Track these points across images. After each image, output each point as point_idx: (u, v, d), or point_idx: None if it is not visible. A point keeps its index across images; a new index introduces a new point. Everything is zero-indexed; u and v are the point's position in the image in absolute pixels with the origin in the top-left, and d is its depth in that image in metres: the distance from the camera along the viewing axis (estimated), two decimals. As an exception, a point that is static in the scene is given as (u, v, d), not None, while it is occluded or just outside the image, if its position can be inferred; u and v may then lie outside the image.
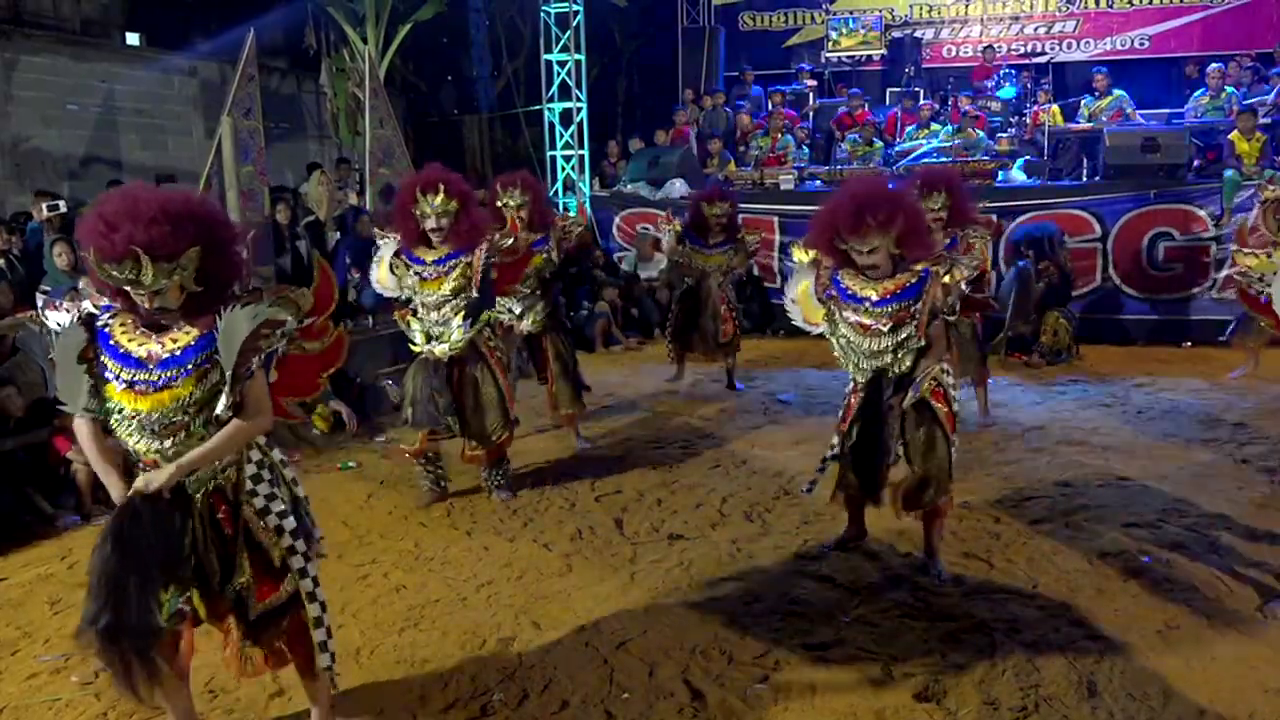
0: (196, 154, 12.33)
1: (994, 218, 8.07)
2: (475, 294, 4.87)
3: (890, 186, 4.00)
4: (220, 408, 2.62)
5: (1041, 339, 8.53)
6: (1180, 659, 3.39)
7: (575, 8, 12.37)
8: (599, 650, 3.58)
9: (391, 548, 4.68)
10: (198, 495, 2.71)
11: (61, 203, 7.93)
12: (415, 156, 11.20)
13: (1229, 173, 9.10)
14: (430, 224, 4.73)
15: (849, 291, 3.78)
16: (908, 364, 3.76)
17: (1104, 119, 10.96)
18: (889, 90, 13.22)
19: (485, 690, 3.32)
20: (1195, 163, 9.63)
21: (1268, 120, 10.15)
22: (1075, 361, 8.49)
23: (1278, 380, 7.13)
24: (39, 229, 7.84)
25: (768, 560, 4.36)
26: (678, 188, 10.69)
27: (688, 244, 7.40)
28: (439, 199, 4.68)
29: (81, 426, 2.71)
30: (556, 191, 12.51)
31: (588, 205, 11.72)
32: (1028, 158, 10.64)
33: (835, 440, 4.00)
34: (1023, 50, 13.44)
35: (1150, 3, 13.23)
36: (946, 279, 3.75)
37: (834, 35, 14.18)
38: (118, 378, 2.61)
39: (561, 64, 12.60)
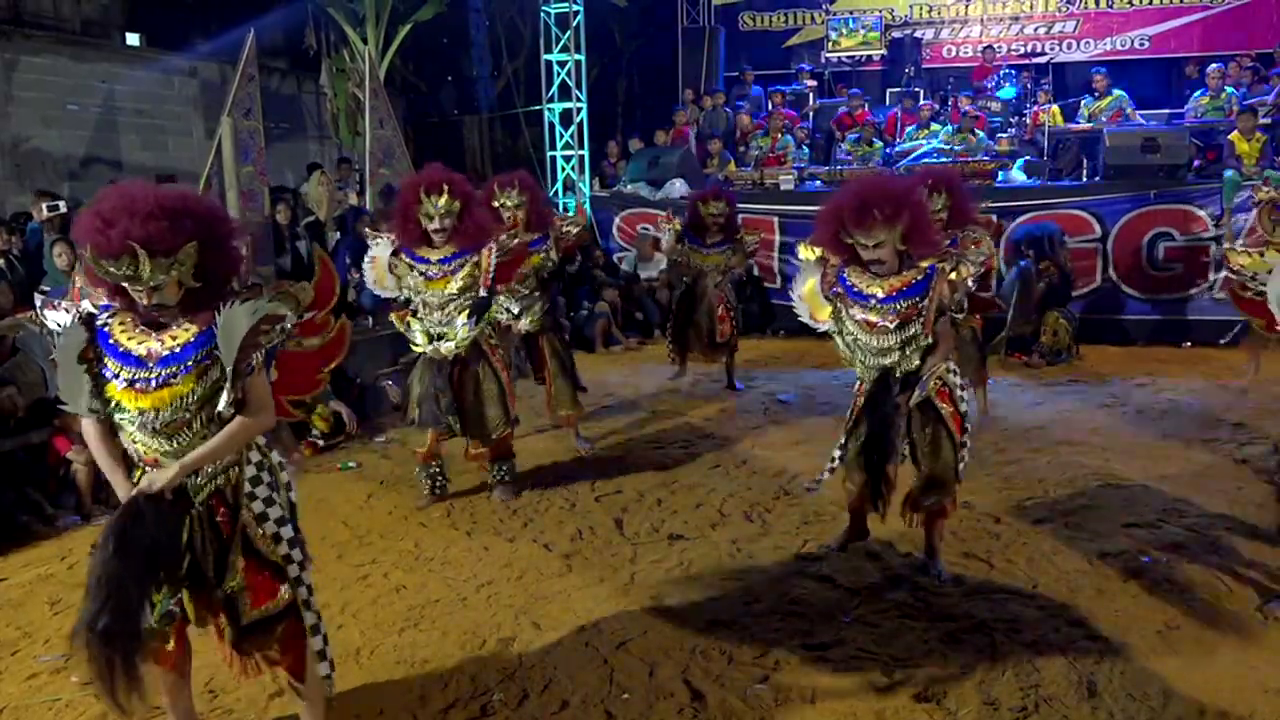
0: (196, 154, 12.33)
1: (994, 218, 8.05)
2: (483, 293, 4.87)
3: (896, 181, 3.99)
4: (221, 405, 2.62)
5: (1041, 339, 8.53)
6: (1180, 659, 3.39)
7: (575, 8, 12.37)
8: (599, 650, 3.58)
9: (391, 548, 4.68)
10: (199, 496, 2.70)
11: (61, 203, 7.93)
12: (415, 157, 11.20)
13: (1229, 173, 9.10)
14: (434, 224, 4.73)
15: (855, 288, 3.77)
16: (915, 362, 3.76)
17: (1104, 119, 10.96)
18: (889, 90, 13.23)
19: (485, 690, 3.33)
20: (1195, 163, 9.63)
21: (1268, 120, 10.15)
22: (1075, 361, 8.49)
23: (1278, 380, 7.12)
24: (39, 229, 7.84)
25: (768, 560, 4.36)
26: (678, 188, 10.68)
27: (686, 243, 7.41)
28: (443, 200, 4.67)
29: (89, 427, 2.71)
30: (556, 192, 12.52)
31: (587, 205, 11.72)
32: (1028, 158, 10.64)
33: (842, 439, 4.00)
34: (1023, 50, 13.44)
35: (1150, 3, 13.23)
36: (953, 275, 3.75)
37: (834, 35, 14.18)
38: (118, 376, 2.60)
39: (561, 64, 12.60)
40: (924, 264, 3.72)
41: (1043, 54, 13.40)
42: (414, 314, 4.94)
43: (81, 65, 12.11)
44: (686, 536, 4.69)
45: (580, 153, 12.74)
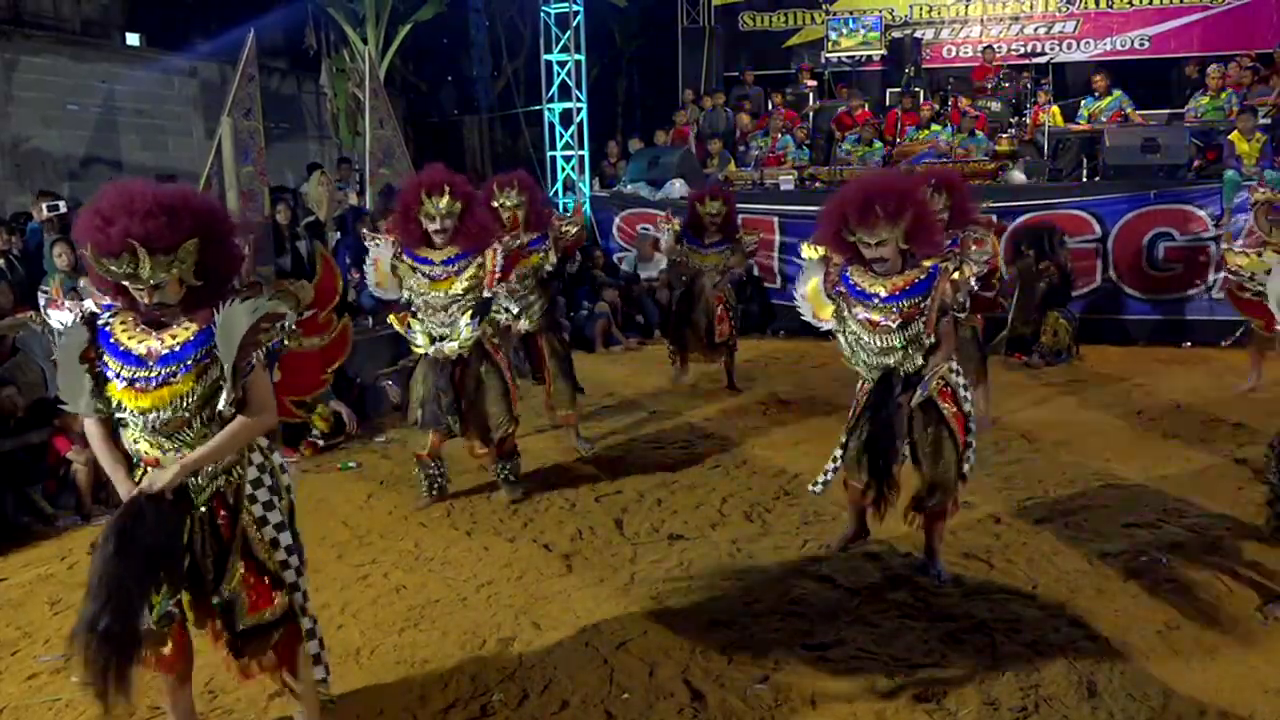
0: (196, 154, 12.34)
1: (994, 218, 8.06)
2: (486, 294, 4.88)
3: (900, 179, 3.99)
4: (221, 404, 2.61)
5: (1041, 339, 8.52)
6: (1180, 659, 3.39)
7: (575, 8, 12.37)
8: (599, 650, 3.57)
9: (391, 548, 4.67)
10: (201, 497, 2.70)
11: (62, 203, 7.93)
12: (415, 157, 11.20)
13: (1229, 173, 9.09)
14: (435, 225, 4.71)
15: (858, 288, 3.77)
16: (917, 362, 3.76)
17: (1104, 119, 10.96)
18: (889, 90, 13.23)
19: (485, 690, 3.32)
20: (1195, 163, 9.63)
21: (1268, 120, 10.15)
22: (1075, 361, 8.49)
23: (1278, 381, 7.11)
24: (39, 229, 7.84)
25: (768, 560, 4.36)
26: (678, 188, 10.68)
27: (684, 243, 7.41)
28: (444, 200, 4.66)
29: (92, 427, 2.71)
30: (556, 192, 12.52)
31: (586, 206, 11.72)
32: (1028, 158, 10.64)
33: (843, 439, 3.99)
34: (1023, 50, 13.44)
35: (1150, 3, 13.22)
36: (956, 275, 3.75)
37: (834, 36, 14.19)
38: (118, 375, 2.60)
39: (561, 64, 12.60)
40: (927, 263, 3.71)
41: (1043, 54, 13.40)
42: (414, 315, 4.92)
43: (81, 65, 12.12)
44: (686, 536, 4.69)
45: (580, 153, 12.74)
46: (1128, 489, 5.17)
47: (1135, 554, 4.27)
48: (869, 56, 14.20)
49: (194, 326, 2.61)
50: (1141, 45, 13.32)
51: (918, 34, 13.83)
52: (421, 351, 4.93)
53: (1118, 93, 11.33)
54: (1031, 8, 13.65)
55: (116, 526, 2.53)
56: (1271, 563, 4.11)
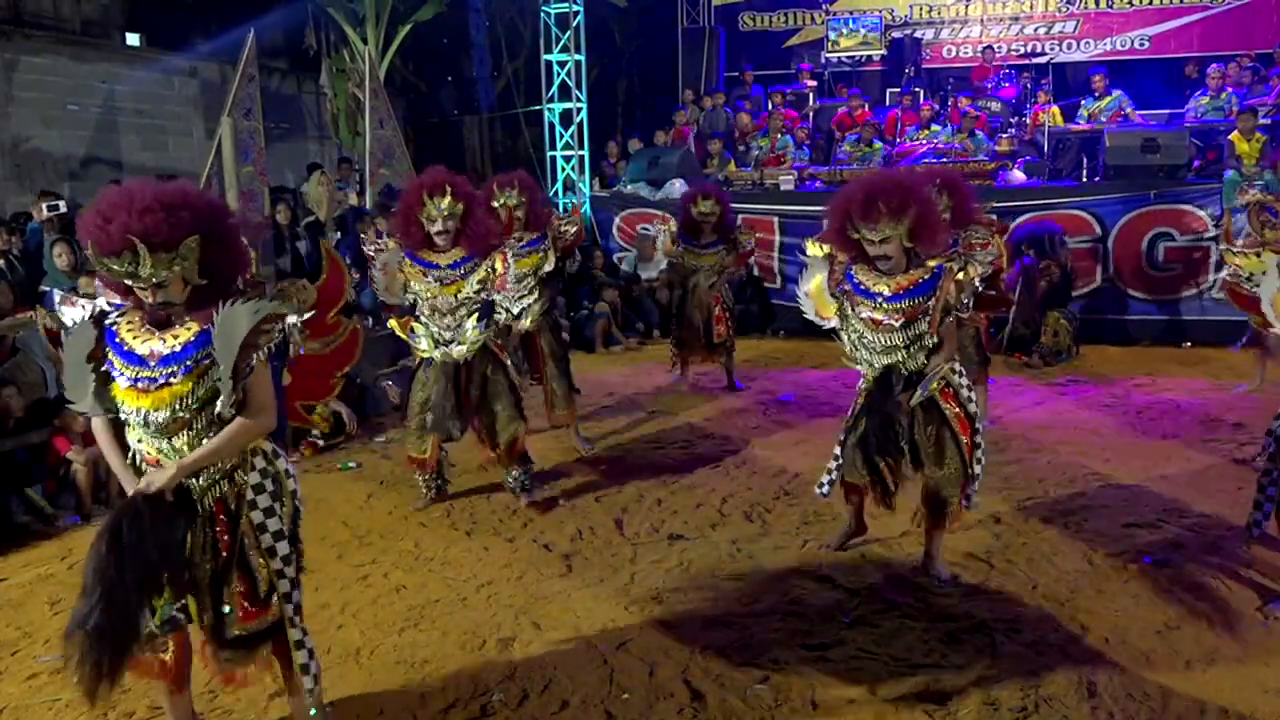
0: (196, 154, 12.34)
1: (994, 218, 8.07)
2: (494, 296, 4.86)
3: (904, 176, 3.98)
4: (221, 405, 2.61)
5: (1042, 339, 8.52)
6: (1180, 659, 3.39)
7: (575, 8, 12.37)
8: (599, 650, 3.57)
9: (391, 548, 4.67)
10: (203, 500, 2.69)
11: (62, 203, 7.94)
12: (415, 157, 11.21)
13: (1229, 173, 9.10)
14: (436, 227, 4.68)
15: (862, 286, 3.77)
16: (919, 361, 3.76)
17: (1104, 119, 10.96)
18: (889, 90, 13.23)
19: (485, 690, 3.32)
20: (1195, 163, 9.63)
21: (1268, 120, 10.15)
22: (1075, 361, 8.49)
23: (1278, 381, 7.11)
24: (39, 229, 7.85)
25: (768, 560, 4.36)
26: (678, 188, 10.67)
27: (681, 244, 7.41)
28: (445, 201, 4.64)
29: (98, 426, 2.72)
30: (556, 192, 12.51)
31: (586, 206, 11.73)
32: (1028, 158, 10.64)
33: (841, 436, 3.99)
34: (1023, 50, 13.43)
35: (1150, 3, 13.21)
36: (960, 275, 3.75)
37: (834, 36, 14.17)
38: (122, 375, 2.60)
39: (561, 64, 12.60)
40: (931, 263, 3.71)
41: (1043, 54, 13.39)
42: (417, 320, 4.88)
43: (81, 65, 12.11)
44: (686, 536, 4.69)
45: (580, 153, 12.73)
46: (1128, 489, 5.17)
47: (1135, 554, 4.27)
48: (869, 56, 14.19)
49: (195, 327, 2.61)
50: (1141, 45, 13.31)
51: (918, 34, 13.81)
52: (424, 355, 4.91)
53: (1117, 93, 11.34)
54: (1031, 8, 13.64)
55: (111, 526, 2.53)
56: (1272, 563, 4.11)
